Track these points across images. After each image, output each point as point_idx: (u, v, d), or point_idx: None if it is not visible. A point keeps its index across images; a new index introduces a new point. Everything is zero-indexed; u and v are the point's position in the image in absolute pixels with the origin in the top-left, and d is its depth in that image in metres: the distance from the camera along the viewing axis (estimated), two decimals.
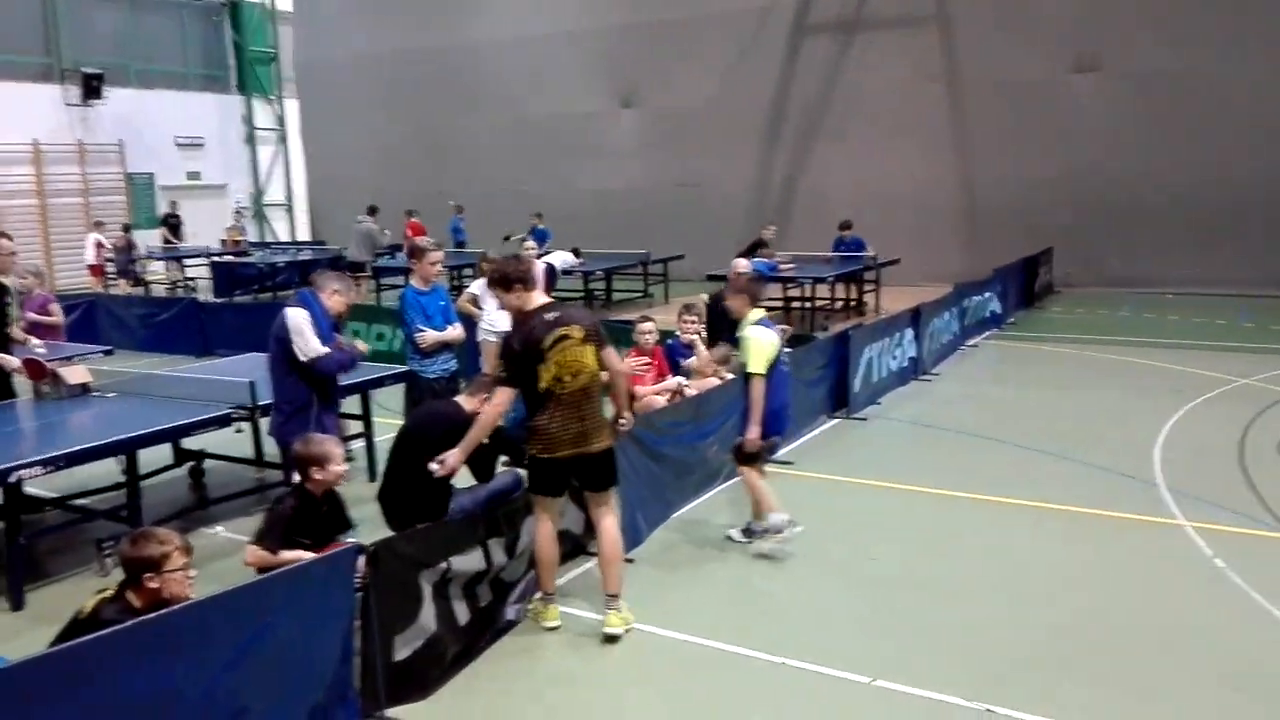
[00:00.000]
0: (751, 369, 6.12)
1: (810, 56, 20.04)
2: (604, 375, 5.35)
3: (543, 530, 5.30)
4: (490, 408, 5.25)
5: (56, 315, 10.09)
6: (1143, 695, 4.56)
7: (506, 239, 17.46)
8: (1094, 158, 17.58)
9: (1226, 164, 16.53)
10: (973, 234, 18.61)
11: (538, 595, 5.42)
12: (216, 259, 21.67)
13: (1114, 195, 17.48)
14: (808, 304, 15.11)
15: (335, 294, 6.48)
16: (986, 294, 14.01)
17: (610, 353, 5.33)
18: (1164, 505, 6.97)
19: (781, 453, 8.28)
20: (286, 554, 4.78)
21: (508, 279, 5.23)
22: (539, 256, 11.29)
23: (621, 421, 5.53)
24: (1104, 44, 17.45)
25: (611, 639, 5.17)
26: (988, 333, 13.86)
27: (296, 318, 6.23)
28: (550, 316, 5.17)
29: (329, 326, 6.38)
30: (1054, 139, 17.85)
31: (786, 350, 6.59)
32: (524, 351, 5.10)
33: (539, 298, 5.30)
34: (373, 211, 19.41)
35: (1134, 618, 5.32)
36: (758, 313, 6.35)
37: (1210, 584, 5.70)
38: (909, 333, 11.06)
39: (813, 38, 20.00)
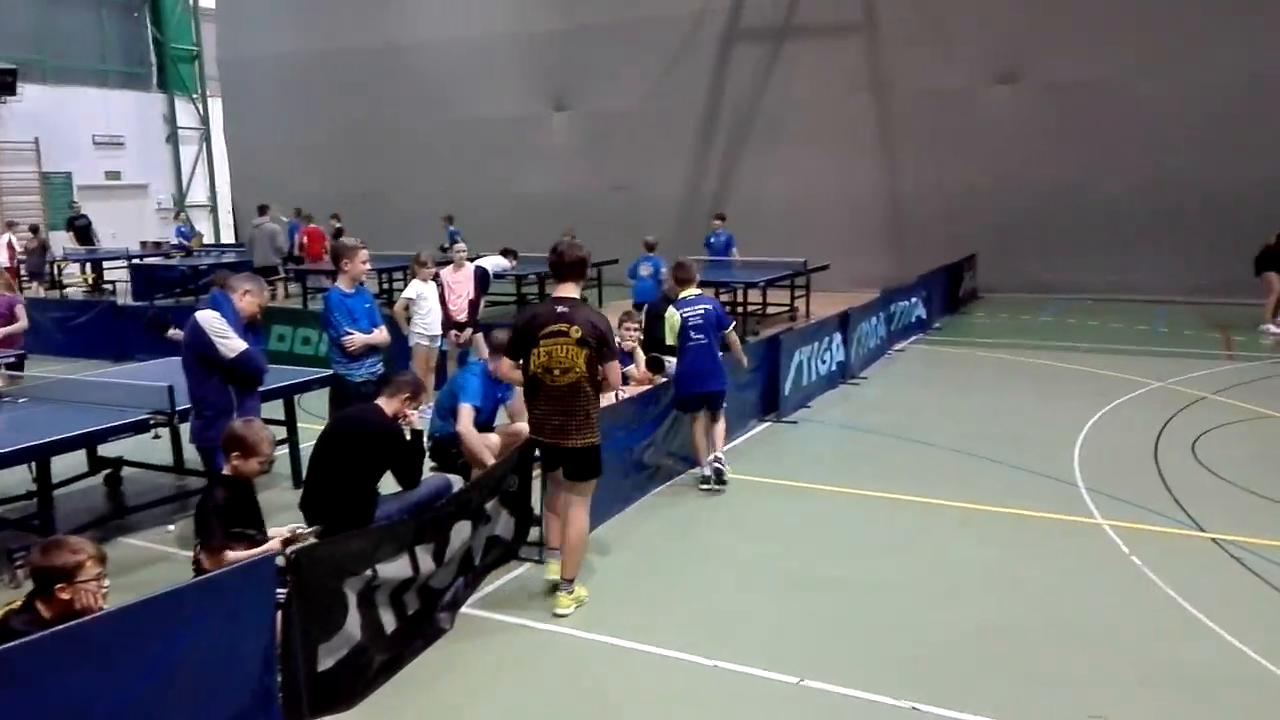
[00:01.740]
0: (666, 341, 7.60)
1: (741, 63, 20.22)
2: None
3: (550, 514, 5.86)
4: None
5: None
6: (1064, 690, 4.66)
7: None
8: (1015, 166, 18.02)
9: (1141, 173, 17.07)
10: (900, 240, 18.93)
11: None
12: (136, 261, 21.08)
13: (1035, 203, 17.94)
14: (739, 308, 15.20)
15: (247, 295, 6.28)
16: (912, 299, 14.25)
17: (612, 368, 5.48)
18: (1083, 504, 7.15)
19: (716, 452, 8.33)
20: (232, 554, 4.65)
21: (551, 267, 5.65)
22: (470, 260, 11.22)
23: None
24: (1023, 56, 17.90)
25: (560, 616, 5.44)
26: (914, 337, 14.10)
27: (209, 319, 6.03)
28: (560, 310, 5.42)
29: (241, 329, 6.20)
30: (977, 148, 18.26)
31: (695, 323, 7.52)
32: (522, 329, 5.47)
33: (567, 290, 5.53)
34: (264, 210, 18.89)
35: (1055, 614, 5.44)
36: (686, 291, 7.67)
37: (1127, 581, 5.85)
38: (837, 337, 11.20)
39: (744, 45, 20.18)
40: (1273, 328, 13.76)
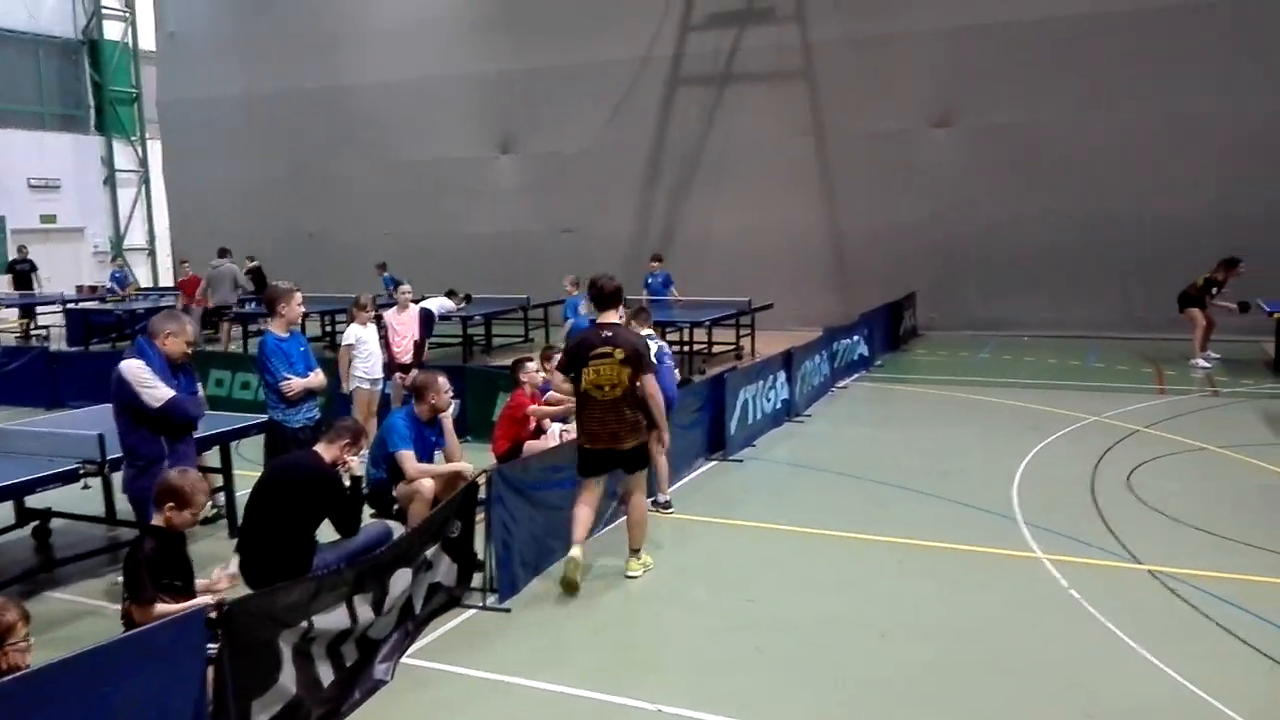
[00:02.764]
0: None
1: (685, 107, 20.50)
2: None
3: (580, 507, 6.45)
4: (554, 385, 6.68)
5: None
6: None
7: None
8: (952, 206, 18.43)
9: (1074, 212, 17.55)
10: (842, 279, 19.21)
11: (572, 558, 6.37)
12: (71, 306, 20.64)
13: (972, 242, 18.34)
14: (685, 347, 15.28)
15: (170, 337, 6.10)
16: (855, 337, 14.43)
17: (648, 380, 6.36)
18: (1022, 539, 7.24)
19: (661, 496, 8.36)
20: (162, 607, 4.53)
21: (592, 296, 6.63)
22: (415, 302, 11.15)
23: (657, 447, 6.71)
24: (958, 100, 18.38)
25: (631, 577, 6.52)
26: (856, 375, 14.26)
27: (133, 368, 5.89)
28: (606, 334, 6.36)
29: (168, 373, 6.04)
30: (915, 189, 18.66)
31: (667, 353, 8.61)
32: (575, 351, 6.44)
33: (610, 316, 6.48)
34: (224, 253, 18.82)
35: (998, 650, 5.48)
36: (645, 329, 8.35)
37: (1067, 615, 5.92)
38: (782, 375, 11.28)
39: (687, 89, 20.47)
40: (1202, 362, 14.15)
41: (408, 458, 6.81)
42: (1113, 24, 17.05)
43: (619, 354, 6.26)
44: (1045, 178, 17.75)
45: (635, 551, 6.64)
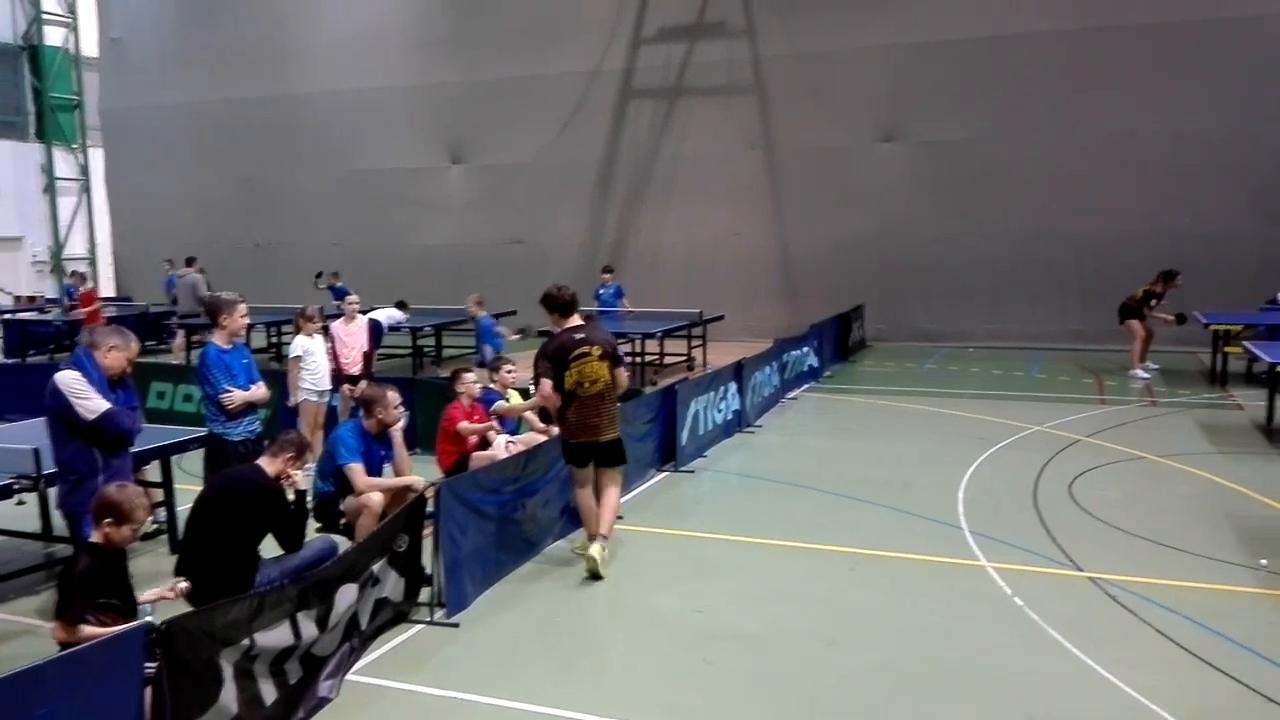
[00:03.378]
0: None
1: (637, 120, 20.59)
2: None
3: (580, 493, 7.01)
4: (542, 391, 6.78)
5: None
6: None
7: (319, 276, 18.75)
8: (899, 220, 18.72)
9: (1016, 226, 17.93)
10: (792, 291, 19.40)
11: (585, 538, 7.06)
12: (9, 316, 20.14)
13: (918, 255, 18.63)
14: (637, 358, 15.28)
15: (112, 351, 5.95)
16: (804, 349, 14.56)
17: (620, 371, 6.96)
18: (967, 547, 7.34)
19: None
20: (88, 630, 4.39)
21: (551, 307, 6.96)
22: (363, 313, 11.05)
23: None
24: (900, 117, 18.71)
25: (591, 565, 6.72)
26: (806, 385, 14.38)
27: (68, 379, 5.74)
28: (579, 336, 6.86)
29: (106, 387, 5.88)
30: (862, 203, 18.92)
31: None
32: (555, 356, 6.78)
33: (574, 320, 6.95)
34: (190, 262, 18.68)
35: (943, 658, 5.54)
36: None
37: (1010, 622, 6.00)
38: (733, 386, 11.34)
39: (638, 102, 20.57)
40: (1140, 372, 14.48)
41: (357, 471, 6.73)
42: (1053, 44, 17.46)
43: (597, 351, 6.80)
44: (988, 192, 18.11)
45: (603, 538, 6.84)
